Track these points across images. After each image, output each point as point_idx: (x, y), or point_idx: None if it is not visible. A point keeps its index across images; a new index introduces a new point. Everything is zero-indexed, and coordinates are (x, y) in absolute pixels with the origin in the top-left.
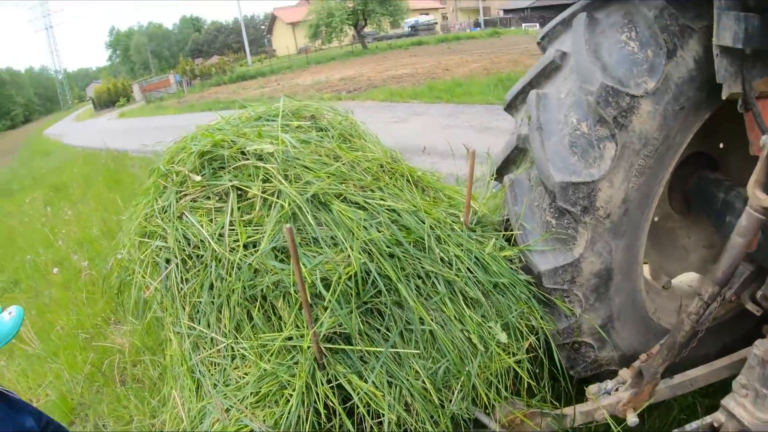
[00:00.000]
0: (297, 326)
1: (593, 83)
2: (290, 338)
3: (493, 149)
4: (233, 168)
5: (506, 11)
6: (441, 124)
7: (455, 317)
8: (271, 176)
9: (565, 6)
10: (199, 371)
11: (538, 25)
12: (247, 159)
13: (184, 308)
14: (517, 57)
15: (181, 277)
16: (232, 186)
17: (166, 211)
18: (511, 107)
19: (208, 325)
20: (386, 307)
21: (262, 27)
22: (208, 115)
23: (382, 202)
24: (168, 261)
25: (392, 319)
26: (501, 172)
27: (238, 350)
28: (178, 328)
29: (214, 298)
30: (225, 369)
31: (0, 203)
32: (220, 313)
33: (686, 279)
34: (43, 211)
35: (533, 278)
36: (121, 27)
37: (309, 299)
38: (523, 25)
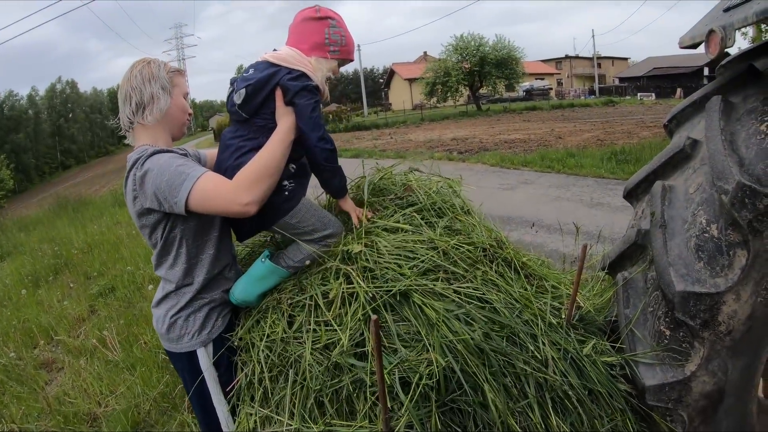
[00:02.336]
0: (370, 419)
1: (728, 181)
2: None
3: (604, 229)
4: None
5: (621, 79)
6: (550, 195)
7: (540, 425)
8: (351, 277)
9: (683, 76)
10: None
11: (653, 95)
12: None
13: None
14: (631, 128)
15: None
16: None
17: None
18: (631, 196)
19: (278, 404)
20: (469, 407)
21: (381, 80)
22: None
23: (473, 292)
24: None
25: (474, 421)
26: (614, 267)
27: None
28: (248, 407)
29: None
30: None
31: (114, 212)
32: (293, 392)
33: None
34: None
35: (634, 390)
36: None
37: (387, 399)
38: (639, 94)
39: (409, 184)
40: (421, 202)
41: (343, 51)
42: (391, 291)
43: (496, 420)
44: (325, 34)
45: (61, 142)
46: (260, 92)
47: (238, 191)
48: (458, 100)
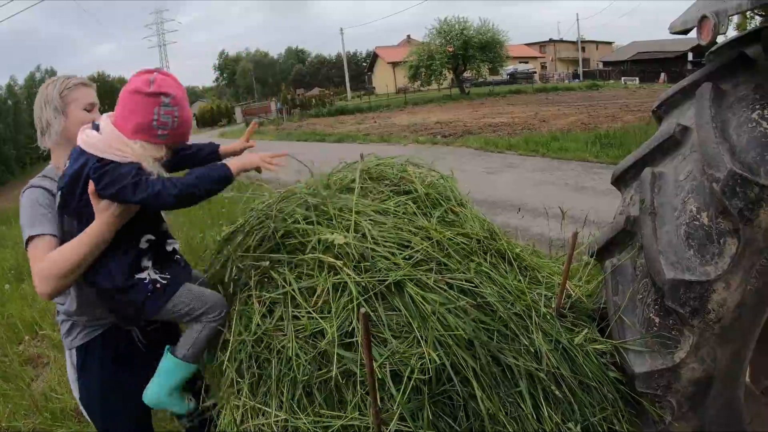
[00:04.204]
0: (360, 409)
1: (719, 169)
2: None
3: (590, 213)
4: (300, 261)
5: (606, 63)
6: (535, 179)
7: (532, 415)
8: (339, 269)
9: (667, 60)
10: None
11: (637, 79)
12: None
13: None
14: (615, 112)
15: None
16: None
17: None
18: (619, 182)
19: (265, 395)
20: (460, 398)
21: (364, 64)
22: (304, 146)
23: (466, 285)
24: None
25: (465, 412)
26: (602, 254)
27: (293, 424)
28: (235, 399)
29: (275, 378)
30: None
31: None
32: (280, 382)
33: None
34: None
35: (623, 377)
36: (230, 51)
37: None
38: (623, 78)
39: (406, 174)
40: (416, 192)
41: (174, 135)
42: (385, 281)
43: (484, 413)
44: (154, 114)
45: None
46: (75, 189)
47: (38, 277)
48: (442, 84)
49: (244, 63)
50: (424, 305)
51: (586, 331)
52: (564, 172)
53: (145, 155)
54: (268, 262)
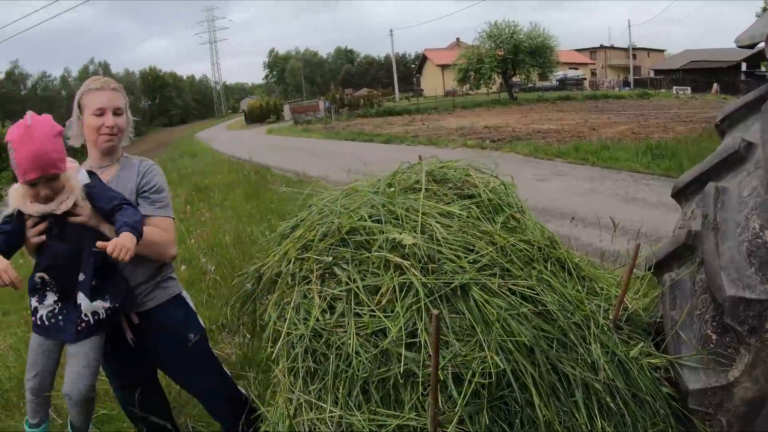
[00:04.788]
0: (417, 410)
1: None
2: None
3: (643, 226)
4: (365, 258)
5: (657, 72)
6: (584, 188)
7: (586, 425)
8: (406, 269)
9: (719, 71)
10: None
11: (689, 89)
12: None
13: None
14: (666, 122)
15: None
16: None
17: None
18: (680, 195)
19: (320, 391)
20: (518, 405)
21: (413, 66)
22: (352, 145)
23: (527, 291)
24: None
25: (520, 418)
26: (661, 267)
27: (347, 419)
28: (288, 392)
29: (332, 374)
30: None
31: None
32: (337, 378)
33: None
34: (182, 208)
35: (676, 393)
36: (280, 50)
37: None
38: (674, 88)
39: (469, 177)
40: (479, 196)
41: (19, 175)
42: (450, 284)
43: (541, 421)
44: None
45: None
46: None
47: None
48: (491, 88)
49: (294, 61)
50: (488, 310)
51: (641, 344)
52: (614, 182)
53: (14, 196)
54: (331, 258)
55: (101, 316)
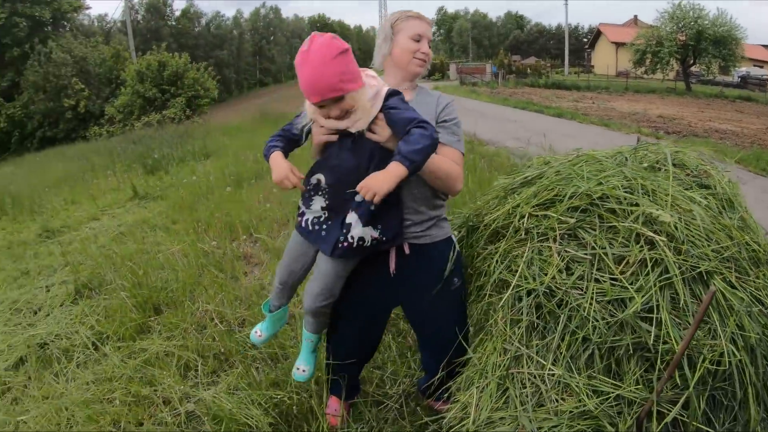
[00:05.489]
0: (637, 383)
1: None
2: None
3: None
4: (614, 226)
5: None
6: (766, 200)
7: None
8: (656, 244)
9: None
10: (512, 384)
11: None
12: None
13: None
14: None
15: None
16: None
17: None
18: None
19: (543, 348)
20: (734, 401)
21: (585, 39)
22: (523, 113)
23: (756, 293)
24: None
25: (725, 412)
26: None
27: (564, 380)
28: (507, 343)
29: (558, 333)
30: (542, 393)
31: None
32: (563, 339)
33: None
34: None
35: None
36: (449, 8)
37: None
38: None
39: (706, 167)
40: (715, 188)
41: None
42: (697, 268)
43: (753, 421)
44: None
45: (261, 61)
46: None
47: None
48: (667, 75)
49: (462, 21)
50: (726, 300)
51: None
52: None
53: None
54: (574, 220)
55: (365, 243)
